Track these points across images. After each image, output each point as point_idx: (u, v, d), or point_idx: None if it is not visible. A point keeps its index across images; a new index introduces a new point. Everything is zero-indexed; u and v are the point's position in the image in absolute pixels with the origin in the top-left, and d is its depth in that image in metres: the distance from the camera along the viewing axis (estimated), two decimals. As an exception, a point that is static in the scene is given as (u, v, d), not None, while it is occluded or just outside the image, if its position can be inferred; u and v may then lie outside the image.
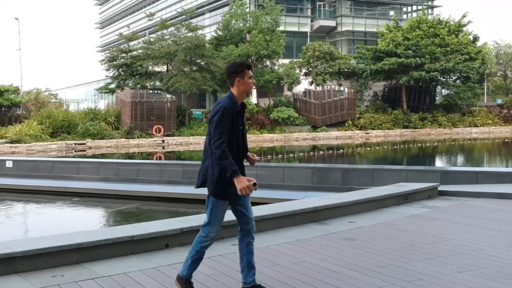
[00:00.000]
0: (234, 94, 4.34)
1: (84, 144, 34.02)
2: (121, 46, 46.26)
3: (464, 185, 10.39)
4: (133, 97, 37.81)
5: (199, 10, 63.04)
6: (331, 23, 65.36)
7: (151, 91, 40.20)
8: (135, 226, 6.39)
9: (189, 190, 12.90)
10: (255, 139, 39.09)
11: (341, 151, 34.44)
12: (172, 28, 43.82)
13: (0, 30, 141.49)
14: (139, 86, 41.96)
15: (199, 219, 6.55)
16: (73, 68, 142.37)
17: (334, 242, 6.40)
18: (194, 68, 39.44)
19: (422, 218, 7.95)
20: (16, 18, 51.85)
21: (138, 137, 36.71)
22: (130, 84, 42.89)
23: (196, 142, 36.96)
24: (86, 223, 11.90)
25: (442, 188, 9.88)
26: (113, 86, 44.59)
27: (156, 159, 30.73)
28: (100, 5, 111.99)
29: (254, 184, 4.19)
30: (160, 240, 6.13)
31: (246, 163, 4.64)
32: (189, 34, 41.21)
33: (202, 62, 39.85)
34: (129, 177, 16.09)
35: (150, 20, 51.64)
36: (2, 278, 5.02)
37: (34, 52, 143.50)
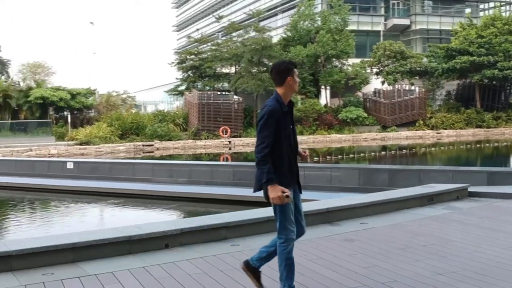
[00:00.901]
0: (280, 94, 4.23)
1: (152, 145, 34.88)
2: (190, 48, 47.13)
3: (497, 186, 9.74)
4: (200, 99, 38.43)
5: (272, 11, 63.40)
6: (405, 21, 63.74)
7: (218, 93, 40.75)
8: (139, 226, 6.39)
9: (239, 191, 12.91)
10: (323, 140, 38.72)
11: (412, 151, 33.47)
12: (242, 31, 44.17)
13: (77, 35, 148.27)
14: (207, 87, 42.63)
15: (204, 220, 6.49)
16: (152, 71, 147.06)
17: (334, 243, 6.15)
18: (261, 69, 39.60)
19: (437, 219, 7.51)
20: (91, 23, 54.39)
21: (205, 138, 37.24)
22: (199, 86, 43.67)
23: (261, 143, 37.01)
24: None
25: (473, 189, 9.31)
26: (182, 88, 45.58)
27: (223, 160, 31.07)
28: (176, 8, 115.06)
29: (287, 196, 4.05)
30: (159, 240, 6.03)
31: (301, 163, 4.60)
32: (256, 35, 41.38)
33: (269, 63, 39.92)
34: (182, 178, 16.22)
35: (223, 22, 52.31)
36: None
37: (111, 55, 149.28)
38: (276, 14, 65.73)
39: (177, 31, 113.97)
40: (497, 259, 5.43)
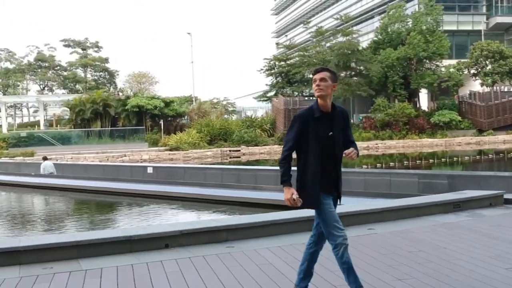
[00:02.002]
0: (317, 101, 4.26)
1: (239, 150, 35.85)
2: (280, 55, 47.76)
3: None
4: (286, 105, 38.93)
5: (368, 13, 62.65)
6: (510, 19, 60.26)
7: (306, 98, 41.04)
8: (143, 227, 6.92)
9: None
10: (413, 144, 37.70)
11: (510, 155, 31.73)
12: (330, 36, 44.16)
13: (176, 45, 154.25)
14: (295, 93, 43.03)
15: (203, 222, 6.87)
16: (251, 78, 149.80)
17: (325, 247, 6.30)
18: (349, 74, 39.39)
19: (450, 227, 7.27)
20: (189, 33, 56.52)
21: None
22: (287, 92, 44.18)
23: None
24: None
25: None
26: (271, 94, 46.33)
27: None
28: (276, 14, 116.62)
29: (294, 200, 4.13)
30: (160, 241, 6.50)
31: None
32: (343, 40, 41.20)
33: (356, 67, 39.61)
34: (248, 184, 16.40)
35: (310, 27, 52.53)
36: (4, 268, 5.86)
37: (211, 63, 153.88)
38: (373, 17, 64.80)
39: (277, 37, 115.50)
40: (473, 267, 5.32)
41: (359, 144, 33.14)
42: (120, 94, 45.96)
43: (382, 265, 5.50)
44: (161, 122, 41.48)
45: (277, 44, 46.75)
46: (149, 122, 42.99)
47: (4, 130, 56.10)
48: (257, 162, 32.09)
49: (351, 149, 4.20)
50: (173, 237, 6.57)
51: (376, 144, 38.14)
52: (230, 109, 75.48)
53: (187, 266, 5.66)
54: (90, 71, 78.44)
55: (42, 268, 5.82)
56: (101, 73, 78.92)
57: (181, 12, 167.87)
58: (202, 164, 28.91)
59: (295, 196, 4.08)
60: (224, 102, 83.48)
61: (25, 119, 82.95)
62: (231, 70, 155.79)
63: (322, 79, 4.15)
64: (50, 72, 77.36)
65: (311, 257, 4.44)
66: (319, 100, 4.21)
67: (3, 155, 32.78)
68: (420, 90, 44.27)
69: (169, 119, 43.29)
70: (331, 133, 4.17)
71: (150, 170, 20.55)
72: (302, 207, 4.27)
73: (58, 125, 51.35)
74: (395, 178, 13.93)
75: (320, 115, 4.16)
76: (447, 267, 5.34)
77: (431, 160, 28.43)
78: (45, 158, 23.50)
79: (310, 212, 7.27)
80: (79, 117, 41.72)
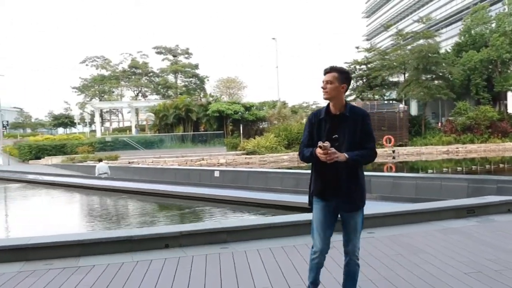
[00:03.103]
0: (328, 103, 4.14)
1: (316, 154, 35.72)
2: (358, 58, 47.14)
3: None
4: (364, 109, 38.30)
5: (454, 16, 60.35)
6: None
7: (385, 102, 40.23)
8: (147, 228, 7.24)
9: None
10: (495, 148, 35.92)
11: None
12: (410, 38, 42.98)
13: (261, 49, 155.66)
14: (376, 97, 42.26)
15: (202, 224, 7.09)
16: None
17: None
18: (429, 77, 38.17)
19: (449, 232, 7.15)
20: (274, 38, 57.15)
21: (369, 148, 36.98)
22: (369, 96, 43.51)
23: (428, 152, 35.67)
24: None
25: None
26: (351, 98, 45.82)
27: (387, 170, 30.73)
28: (367, 17, 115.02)
29: (320, 147, 3.81)
30: (160, 241, 6.82)
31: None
32: (423, 42, 39.99)
33: (437, 70, 38.30)
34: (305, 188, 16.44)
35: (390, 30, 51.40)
36: (11, 263, 6.38)
37: (300, 68, 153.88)
38: (461, 19, 62.35)
39: (367, 40, 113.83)
40: (436, 271, 5.30)
41: (438, 147, 32.08)
42: (203, 99, 47.22)
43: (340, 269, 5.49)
44: (241, 126, 42.20)
45: (357, 47, 46.13)
46: (230, 126, 43.88)
47: (98, 134, 59.51)
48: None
49: (332, 149, 3.81)
50: (173, 237, 6.84)
51: (457, 148, 36.68)
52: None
53: (183, 264, 5.93)
54: (181, 77, 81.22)
55: (44, 264, 6.28)
56: (191, 79, 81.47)
57: (267, 16, 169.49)
58: (278, 168, 29.13)
59: (320, 145, 3.78)
60: (314, 106, 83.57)
61: (120, 124, 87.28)
62: (318, 74, 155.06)
63: (328, 82, 4.03)
64: (143, 78, 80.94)
65: (346, 274, 4.29)
66: (330, 103, 4.10)
67: (89, 158, 34.86)
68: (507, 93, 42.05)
69: (249, 123, 43.88)
70: (335, 135, 3.99)
71: (217, 174, 21.09)
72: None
73: (149, 130, 53.71)
74: (446, 182, 13.53)
75: (324, 117, 4.06)
76: (412, 272, 5.33)
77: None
78: (100, 160, 25.87)
79: (307, 217, 7.30)
80: (163, 122, 43.44)
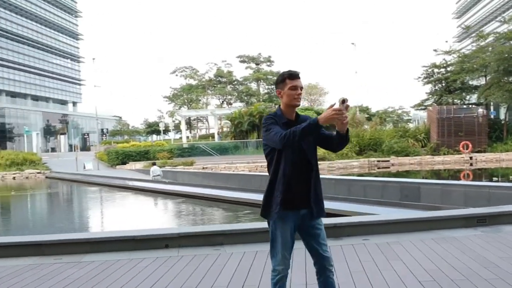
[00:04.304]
0: (280, 108, 3.81)
1: (388, 161, 35.26)
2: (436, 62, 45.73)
3: None
4: (440, 113, 37.30)
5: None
6: None
7: (465, 106, 38.88)
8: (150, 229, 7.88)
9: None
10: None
11: None
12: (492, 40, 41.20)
13: (340, 56, 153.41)
14: (458, 101, 40.91)
15: (200, 227, 7.64)
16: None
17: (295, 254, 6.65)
18: (511, 79, 36.48)
19: (444, 241, 7.10)
20: (353, 43, 56.84)
21: (444, 154, 36.00)
22: (448, 100, 42.19)
23: (509, 158, 34.10)
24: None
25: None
26: (429, 102, 44.60)
27: (463, 177, 29.88)
28: (457, 18, 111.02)
29: (343, 102, 3.42)
30: (160, 241, 7.44)
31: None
32: (505, 43, 38.25)
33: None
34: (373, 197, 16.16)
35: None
36: (29, 257, 7.23)
37: (381, 73, 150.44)
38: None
39: (458, 41, 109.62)
40: (394, 281, 5.39)
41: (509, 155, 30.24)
42: (277, 106, 47.61)
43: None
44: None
45: (435, 50, 44.74)
46: (304, 132, 43.94)
47: (184, 140, 61.89)
48: (407, 173, 31.32)
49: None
50: (172, 238, 7.43)
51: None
52: (405, 118, 73.67)
53: (180, 264, 6.46)
54: (263, 84, 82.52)
55: (53, 259, 7.06)
56: (273, 86, 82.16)
57: (347, 21, 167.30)
58: (347, 175, 29.06)
59: (344, 98, 3.43)
60: (399, 111, 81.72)
61: (208, 131, 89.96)
62: (403, 78, 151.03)
63: (302, 88, 3.77)
64: (228, 86, 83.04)
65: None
66: (287, 107, 3.77)
67: (167, 164, 36.48)
68: None
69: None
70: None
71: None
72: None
73: (224, 137, 55.09)
74: (494, 190, 13.13)
75: (287, 122, 3.73)
76: (371, 278, 5.48)
77: None
78: (154, 164, 28.54)
79: None
80: (238, 129, 44.52)
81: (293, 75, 3.74)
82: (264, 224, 7.87)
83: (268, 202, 3.75)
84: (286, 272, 3.80)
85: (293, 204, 3.71)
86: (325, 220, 7.98)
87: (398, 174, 30.35)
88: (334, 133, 3.71)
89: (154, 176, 26.33)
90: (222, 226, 7.95)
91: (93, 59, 72.27)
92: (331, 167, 33.97)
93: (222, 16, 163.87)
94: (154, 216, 16.70)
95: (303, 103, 76.32)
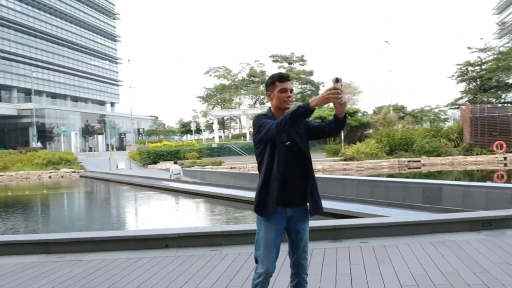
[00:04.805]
0: (271, 110, 3.79)
1: (418, 161, 34.76)
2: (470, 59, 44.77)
3: None
4: (473, 112, 36.55)
5: None
6: None
7: (499, 105, 38.00)
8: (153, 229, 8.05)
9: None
10: None
11: None
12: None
13: (373, 53, 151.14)
14: (492, 100, 40.02)
15: (199, 228, 7.77)
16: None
17: (284, 256, 6.67)
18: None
19: (442, 245, 7.05)
20: (386, 41, 56.15)
21: (476, 154, 35.26)
22: (484, 99, 41.31)
23: (546, 159, 33.20)
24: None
25: None
26: (463, 101, 43.74)
27: (497, 177, 29.31)
28: (498, 14, 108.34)
29: (337, 81, 3.33)
30: (160, 241, 7.59)
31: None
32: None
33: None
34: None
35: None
36: (36, 255, 7.49)
37: (416, 71, 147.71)
38: None
39: (498, 38, 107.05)
40: (375, 283, 5.43)
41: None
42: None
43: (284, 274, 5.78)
44: (342, 132, 42.00)
45: (469, 48, 43.81)
46: (333, 132, 43.67)
47: (216, 140, 62.33)
48: (439, 173, 30.85)
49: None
50: (172, 238, 7.59)
51: None
52: (443, 117, 72.43)
53: (177, 264, 6.62)
54: (296, 83, 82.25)
55: (56, 257, 7.32)
56: (306, 85, 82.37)
57: (380, 19, 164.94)
58: (374, 175, 28.82)
59: (338, 78, 3.35)
60: (436, 110, 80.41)
61: (241, 131, 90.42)
62: (438, 77, 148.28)
63: (292, 90, 3.75)
64: (261, 86, 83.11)
65: None
66: (277, 110, 3.72)
67: (196, 163, 36.86)
68: None
69: (353, 129, 43.53)
70: (288, 142, 3.67)
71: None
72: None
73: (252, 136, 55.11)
74: (517, 192, 12.86)
75: None
76: (356, 282, 5.51)
77: None
78: (175, 162, 29.30)
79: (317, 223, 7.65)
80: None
81: (282, 78, 3.74)
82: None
83: (263, 199, 3.68)
84: (269, 274, 3.75)
85: (289, 201, 3.68)
86: (325, 222, 8.12)
87: (429, 175, 29.91)
88: (323, 123, 3.75)
89: (174, 174, 26.81)
90: (222, 227, 8.07)
91: (128, 60, 73.13)
92: (359, 167, 33.66)
93: (255, 16, 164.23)
94: (170, 215, 16.96)
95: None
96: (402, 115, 55.42)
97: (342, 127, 3.66)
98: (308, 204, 3.74)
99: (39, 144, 58.96)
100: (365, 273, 5.85)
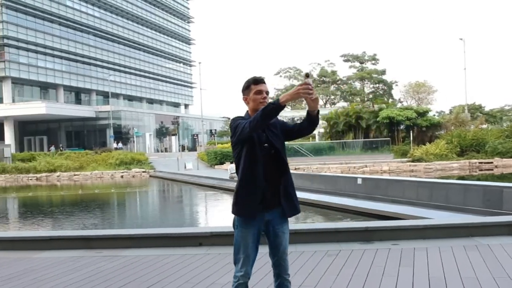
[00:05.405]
0: (248, 113, 3.80)
1: (491, 163, 33.40)
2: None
3: None
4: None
5: None
6: None
7: None
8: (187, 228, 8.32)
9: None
10: None
11: None
12: None
13: (447, 50, 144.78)
14: None
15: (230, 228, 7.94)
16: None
17: (307, 258, 6.76)
18: None
19: (474, 249, 6.87)
20: (461, 39, 54.23)
21: (554, 155, 33.44)
22: None
23: None
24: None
25: None
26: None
27: None
28: None
29: (307, 76, 3.37)
30: (194, 239, 7.83)
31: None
32: None
33: None
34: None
35: None
36: (78, 250, 7.94)
37: (493, 69, 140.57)
38: None
39: None
40: (384, 285, 5.38)
41: None
42: (375, 106, 46.83)
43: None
44: (411, 133, 41.06)
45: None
46: (403, 133, 42.91)
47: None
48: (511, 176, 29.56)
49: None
50: (205, 237, 7.82)
51: None
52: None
53: (199, 262, 6.85)
54: (367, 83, 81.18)
55: (95, 252, 7.73)
56: (378, 85, 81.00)
57: (456, 16, 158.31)
58: (442, 177, 27.99)
59: (308, 73, 3.40)
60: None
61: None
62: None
63: (267, 92, 3.76)
64: (332, 86, 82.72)
65: None
66: (253, 113, 3.68)
67: (260, 164, 37.06)
68: None
69: (423, 130, 42.34)
70: (266, 144, 3.69)
71: (359, 181, 21.21)
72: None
73: (320, 138, 54.89)
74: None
75: None
76: (369, 284, 5.51)
77: None
78: (231, 162, 30.08)
79: (338, 225, 7.65)
80: (334, 129, 44.27)
81: (257, 80, 3.77)
82: (326, 226, 8.00)
83: (240, 201, 3.74)
84: (246, 279, 3.80)
85: (266, 203, 3.70)
86: (356, 224, 8.07)
87: (502, 177, 28.71)
88: (298, 122, 3.76)
89: (231, 173, 27.68)
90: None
91: (199, 63, 74.41)
92: (428, 169, 32.75)
93: (327, 16, 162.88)
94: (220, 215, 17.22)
95: (409, 102, 74.24)
96: (479, 114, 53.31)
97: (316, 124, 3.64)
98: (284, 205, 3.75)
99: (120, 145, 61.42)
100: (382, 275, 5.82)
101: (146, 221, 16.32)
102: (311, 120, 3.59)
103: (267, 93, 3.75)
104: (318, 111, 3.56)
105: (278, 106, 3.35)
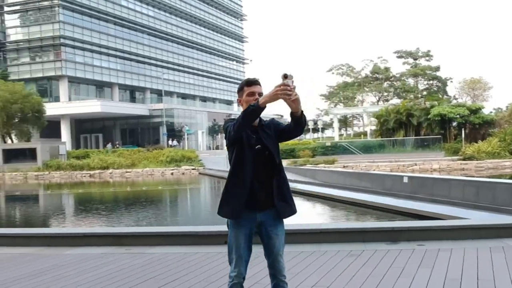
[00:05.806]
0: None
1: (547, 161, 32.14)
2: None
3: None
4: None
5: None
6: None
7: None
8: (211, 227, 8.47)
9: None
10: None
11: None
12: None
13: (503, 47, 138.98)
14: None
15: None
16: None
17: (329, 257, 6.80)
18: None
19: (500, 250, 6.72)
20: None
21: None
22: None
23: None
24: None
25: None
26: None
27: None
28: None
29: (285, 77, 3.31)
30: (220, 238, 7.96)
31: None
32: None
33: None
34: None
35: None
36: (104, 247, 8.19)
37: None
38: None
39: None
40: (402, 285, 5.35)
41: None
42: (426, 103, 45.75)
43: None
44: (463, 130, 39.93)
45: None
46: (455, 130, 41.81)
47: (337, 139, 62.19)
48: None
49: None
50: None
51: None
52: None
53: (215, 260, 6.95)
54: (421, 80, 79.50)
55: (124, 249, 7.99)
56: (431, 81, 79.24)
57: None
58: (494, 176, 27.12)
59: (287, 74, 3.33)
60: None
61: (363, 129, 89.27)
62: None
63: (260, 94, 3.71)
64: (385, 83, 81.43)
65: None
66: None
67: (309, 162, 37.04)
68: None
69: (476, 127, 41.10)
70: (259, 146, 3.68)
71: (405, 179, 20.87)
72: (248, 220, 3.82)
73: (370, 136, 54.21)
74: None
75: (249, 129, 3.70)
76: (382, 285, 5.49)
77: None
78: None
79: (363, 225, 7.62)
80: (384, 127, 43.58)
81: (250, 82, 3.78)
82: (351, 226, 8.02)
83: (228, 202, 3.73)
84: (240, 279, 3.81)
85: (257, 204, 3.70)
86: (383, 224, 7.99)
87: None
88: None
89: None
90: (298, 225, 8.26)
91: (250, 60, 74.90)
92: (479, 167, 31.83)
93: (380, 12, 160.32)
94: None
95: (464, 99, 72.30)
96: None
97: (302, 125, 3.60)
98: (278, 206, 3.74)
99: (174, 142, 62.54)
100: (398, 276, 5.78)
101: (185, 218, 16.64)
102: (296, 121, 3.56)
103: (259, 94, 3.70)
104: (303, 111, 3.51)
105: (257, 107, 3.39)
